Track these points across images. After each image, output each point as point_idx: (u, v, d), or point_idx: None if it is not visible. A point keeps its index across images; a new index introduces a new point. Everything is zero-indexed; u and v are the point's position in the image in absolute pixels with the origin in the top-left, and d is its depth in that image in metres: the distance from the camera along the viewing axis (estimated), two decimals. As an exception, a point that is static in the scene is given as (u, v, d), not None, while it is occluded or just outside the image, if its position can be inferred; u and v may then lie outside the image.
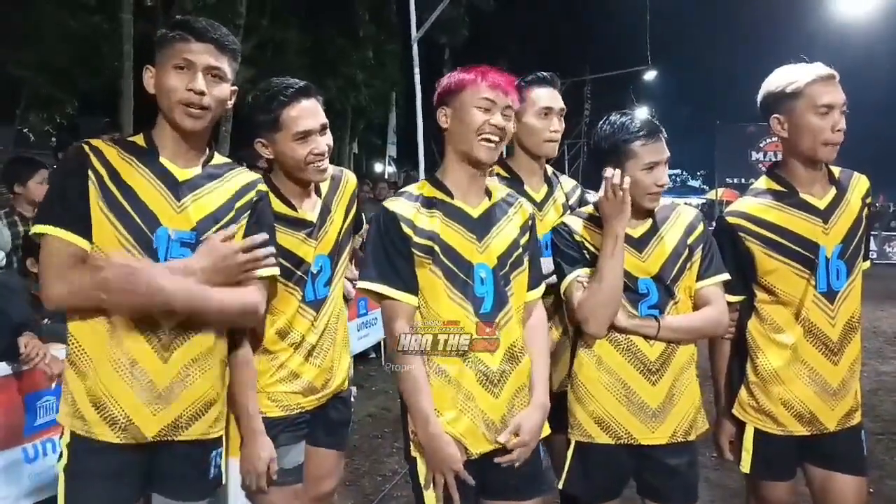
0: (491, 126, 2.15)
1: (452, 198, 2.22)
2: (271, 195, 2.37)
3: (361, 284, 2.18)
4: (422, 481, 2.18)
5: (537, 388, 2.27)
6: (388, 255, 2.15)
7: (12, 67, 11.80)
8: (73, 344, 2.03)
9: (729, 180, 27.01)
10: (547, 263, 2.51)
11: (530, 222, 2.34)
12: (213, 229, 2.08)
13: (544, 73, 2.79)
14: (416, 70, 8.54)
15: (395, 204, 2.20)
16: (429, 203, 2.21)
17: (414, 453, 2.20)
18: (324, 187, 2.55)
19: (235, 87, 2.15)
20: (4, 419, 2.86)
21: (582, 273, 2.36)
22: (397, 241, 2.15)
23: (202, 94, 2.00)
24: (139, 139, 2.11)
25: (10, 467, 3.03)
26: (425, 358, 2.15)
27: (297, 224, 2.42)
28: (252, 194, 2.21)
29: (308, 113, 2.35)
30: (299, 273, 2.40)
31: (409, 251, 2.14)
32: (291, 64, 14.69)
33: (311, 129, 2.35)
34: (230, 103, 2.14)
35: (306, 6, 15.51)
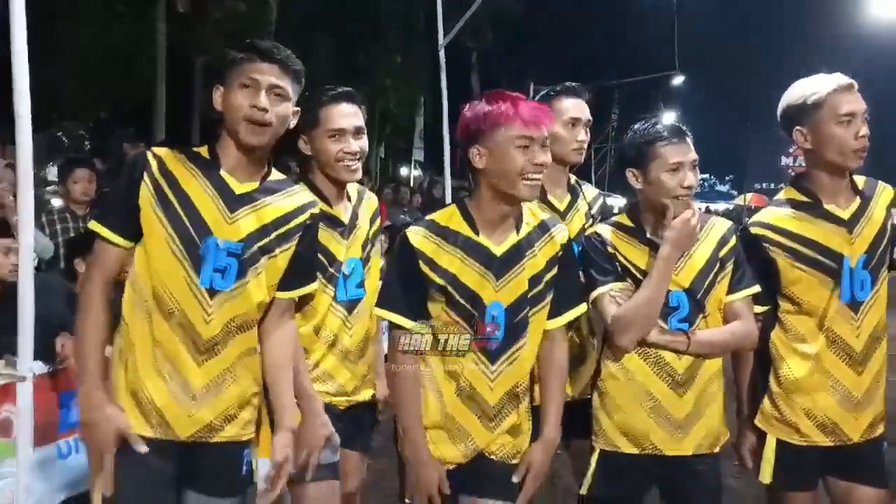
0: (534, 166, 2.13)
1: (478, 234, 2.22)
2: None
3: (378, 311, 2.29)
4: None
5: (550, 424, 2.31)
6: (404, 285, 2.23)
7: (47, 75, 12.05)
8: (124, 332, 2.14)
9: (758, 185, 26.64)
10: None
11: (560, 253, 2.31)
12: (261, 243, 2.17)
13: (572, 84, 2.82)
14: (444, 76, 8.58)
15: (417, 237, 2.22)
16: (452, 238, 2.22)
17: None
18: (353, 197, 2.65)
19: (298, 109, 2.23)
20: (40, 417, 2.95)
21: (616, 286, 2.38)
22: (414, 275, 2.20)
23: (265, 110, 2.09)
24: (204, 150, 2.21)
25: (45, 463, 3.13)
26: (426, 379, 2.24)
27: (331, 221, 2.51)
28: (306, 216, 2.28)
29: (344, 114, 2.50)
30: (331, 270, 2.48)
31: (423, 285, 2.20)
32: (320, 70, 14.83)
33: (345, 129, 2.48)
34: (292, 122, 2.22)
35: (335, 14, 15.64)
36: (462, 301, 2.18)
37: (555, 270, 2.29)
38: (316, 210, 2.33)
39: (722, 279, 2.40)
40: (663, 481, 2.42)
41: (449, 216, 2.26)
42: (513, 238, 2.25)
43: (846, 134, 2.35)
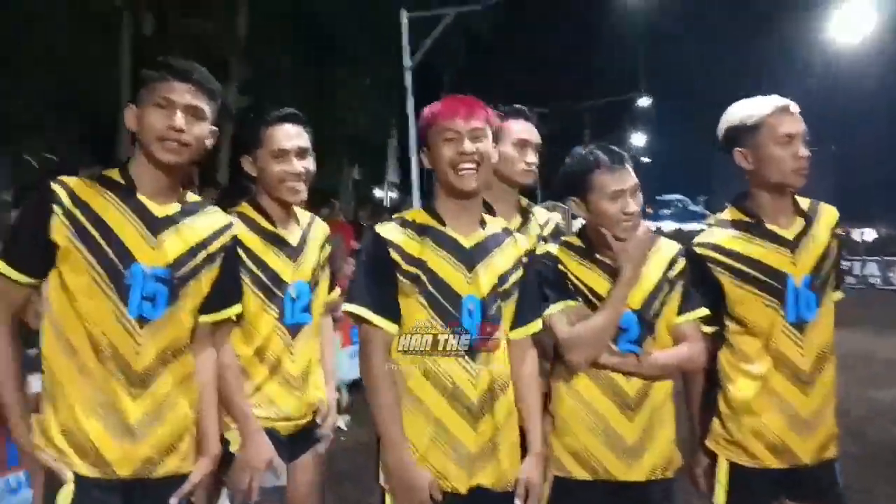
0: (461, 156, 2.15)
1: (444, 225, 2.22)
2: (253, 211, 2.51)
3: (346, 307, 2.19)
4: None
5: (535, 439, 2.28)
6: (374, 279, 2.17)
7: (9, 97, 11.90)
8: (47, 370, 2.04)
9: (729, 204, 26.88)
10: None
11: (525, 259, 2.33)
12: (189, 266, 2.13)
13: (519, 106, 2.82)
14: (410, 99, 8.61)
15: (384, 228, 2.21)
16: (420, 230, 2.20)
17: (383, 484, 2.20)
18: (302, 221, 2.64)
19: (216, 128, 2.20)
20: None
21: (568, 304, 2.36)
22: (384, 266, 2.15)
23: (181, 131, 2.05)
24: (115, 174, 2.14)
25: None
26: (400, 386, 2.15)
27: (277, 241, 2.50)
28: (227, 238, 2.27)
29: (287, 135, 2.50)
30: (277, 291, 2.46)
31: (394, 277, 2.15)
32: (288, 91, 14.78)
33: (288, 150, 2.48)
34: (209, 143, 2.19)
35: (304, 34, 15.64)
36: (435, 292, 2.14)
37: (520, 273, 2.29)
38: (235, 231, 2.32)
39: (671, 301, 2.40)
40: None
41: (414, 214, 2.27)
42: (479, 233, 2.26)
43: (786, 154, 2.37)
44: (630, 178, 2.33)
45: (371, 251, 2.20)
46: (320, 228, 2.72)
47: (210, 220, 2.24)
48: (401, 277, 2.14)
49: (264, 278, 2.43)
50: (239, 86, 14.18)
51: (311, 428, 2.61)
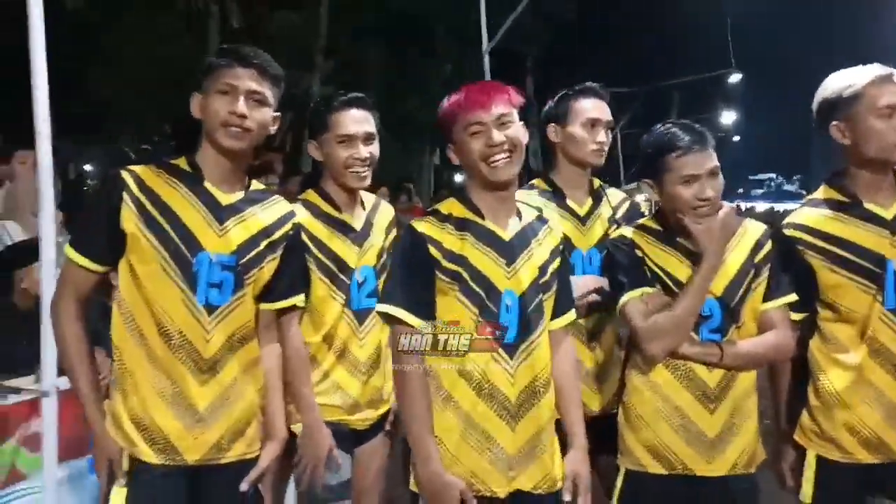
0: (491, 148, 2.04)
1: (483, 219, 2.12)
2: (318, 198, 2.50)
3: (380, 307, 2.10)
4: None
5: (577, 433, 2.19)
6: (411, 278, 2.06)
7: (101, 87, 12.43)
8: (117, 358, 2.09)
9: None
10: (581, 283, 2.42)
11: (561, 247, 2.24)
12: (253, 253, 2.14)
13: (592, 84, 2.71)
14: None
15: (423, 224, 2.10)
16: (460, 224, 2.10)
17: (414, 488, 2.11)
18: (367, 205, 2.62)
19: (278, 114, 2.20)
20: (68, 431, 2.97)
21: (646, 291, 2.24)
22: (423, 264, 2.05)
23: (244, 116, 2.06)
24: (182, 162, 2.17)
25: (74, 478, 3.15)
26: (434, 387, 2.06)
27: (342, 227, 2.49)
28: (289, 227, 2.27)
29: (354, 120, 2.46)
30: (342, 277, 2.44)
31: (432, 276, 2.05)
32: (371, 81, 14.94)
33: (354, 135, 2.45)
34: (273, 129, 2.20)
35: (385, 25, 15.75)
36: (477, 288, 2.03)
37: (557, 263, 2.20)
38: (297, 220, 2.32)
39: (757, 287, 2.25)
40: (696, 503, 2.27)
41: (450, 206, 2.16)
42: (517, 224, 2.16)
43: (887, 127, 2.19)
44: (708, 161, 2.18)
45: (408, 249, 2.09)
46: (386, 212, 2.69)
47: (273, 209, 2.25)
48: (440, 275, 2.04)
49: (330, 264, 2.42)
50: (322, 77, 14.41)
51: (380, 424, 2.59)
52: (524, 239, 2.15)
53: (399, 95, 15.50)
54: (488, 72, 8.54)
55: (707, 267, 2.16)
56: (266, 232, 2.19)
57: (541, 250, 2.17)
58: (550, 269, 2.17)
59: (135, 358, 2.05)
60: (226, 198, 2.15)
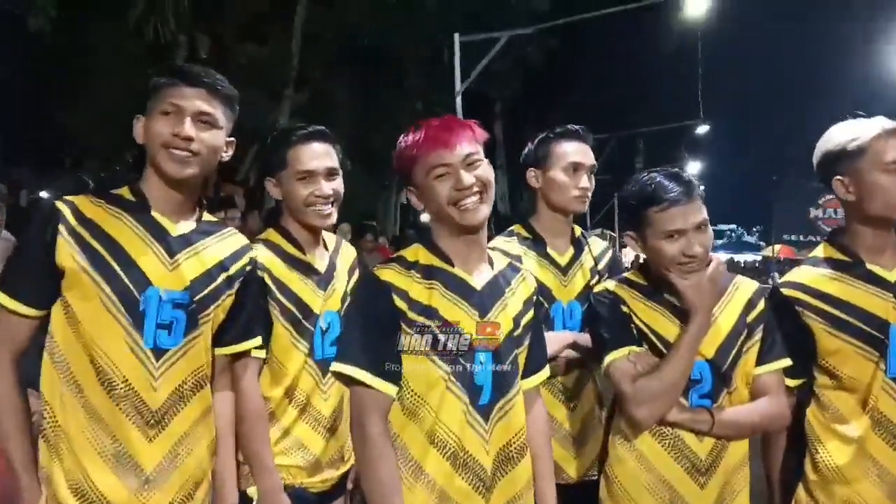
0: (460, 191, 1.84)
1: (453, 266, 1.91)
2: (280, 237, 2.28)
3: (335, 367, 1.85)
4: None
5: (548, 497, 1.99)
6: (372, 332, 1.84)
7: (65, 118, 12.15)
8: (49, 416, 1.83)
9: (786, 237, 26.37)
10: (557, 338, 2.24)
11: (534, 298, 2.05)
12: (209, 289, 1.94)
13: (575, 127, 2.55)
14: (460, 122, 8.46)
15: (386, 272, 1.87)
16: (427, 272, 1.89)
17: None
18: (330, 245, 2.42)
19: (233, 139, 2.01)
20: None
21: (633, 350, 2.06)
22: (385, 315, 1.82)
23: (189, 139, 1.85)
24: (125, 192, 1.96)
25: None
26: (400, 456, 1.82)
27: (306, 269, 2.28)
28: (245, 260, 2.08)
29: (314, 154, 2.26)
30: (306, 324, 2.22)
31: (397, 329, 1.82)
32: (341, 115, 14.84)
33: (314, 171, 2.24)
34: (227, 155, 2.00)
35: (356, 59, 15.74)
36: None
37: (531, 314, 2.00)
38: (255, 254, 2.12)
39: (749, 349, 2.09)
40: None
41: (415, 253, 1.94)
42: (488, 272, 1.96)
43: (894, 183, 2.06)
44: (695, 214, 2.00)
45: (369, 299, 1.88)
46: (348, 254, 2.49)
47: (229, 241, 2.07)
48: (405, 328, 1.82)
49: (293, 309, 2.21)
50: (292, 109, 14.28)
51: (342, 483, 2.36)
52: (497, 288, 1.95)
53: (368, 130, 15.42)
54: (461, 112, 8.48)
55: (696, 326, 1.99)
56: (222, 265, 1.99)
57: (514, 300, 1.97)
58: (524, 321, 1.98)
59: (70, 413, 1.80)
60: (176, 228, 1.94)
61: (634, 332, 2.10)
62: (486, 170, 1.89)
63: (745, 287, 2.17)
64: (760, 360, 2.10)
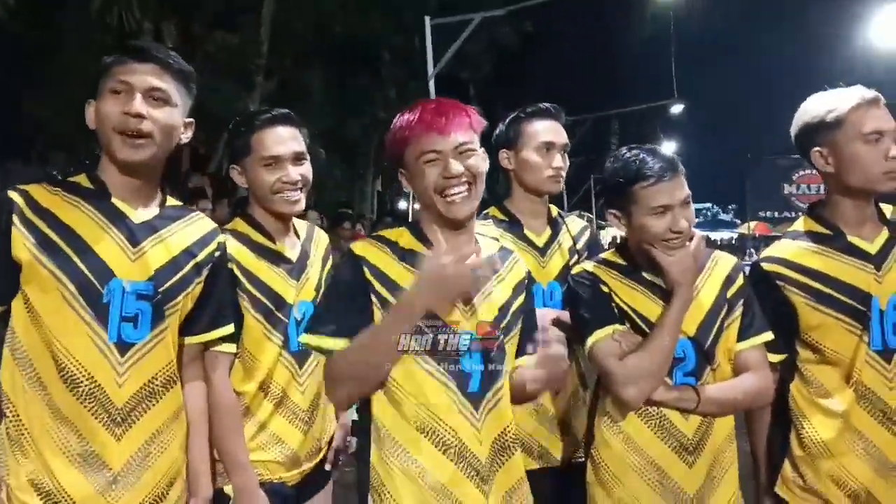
0: (447, 179, 1.77)
1: None
2: (248, 227, 2.19)
3: (303, 338, 1.82)
4: None
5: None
6: (339, 300, 1.81)
7: (32, 108, 11.89)
8: (11, 414, 1.75)
9: (762, 214, 26.63)
10: (538, 315, 2.21)
11: (526, 282, 1.99)
12: (175, 279, 1.86)
13: (546, 105, 2.50)
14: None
15: (361, 245, 1.85)
16: (407, 256, 1.82)
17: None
18: (301, 233, 2.34)
19: (191, 120, 1.92)
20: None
21: (617, 329, 2.02)
22: (357, 289, 1.77)
23: (140, 117, 1.76)
24: (82, 179, 1.87)
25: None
26: (389, 447, 1.76)
27: (277, 258, 2.19)
28: (214, 246, 1.99)
29: (280, 139, 2.17)
30: (279, 315, 2.14)
31: (367, 307, 1.77)
32: (314, 104, 14.65)
33: (281, 156, 2.16)
34: (185, 136, 1.91)
35: (329, 47, 15.54)
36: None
37: (521, 300, 1.94)
38: (223, 238, 2.04)
39: (730, 325, 2.06)
40: None
41: (398, 235, 1.89)
42: (475, 260, 1.86)
43: (873, 154, 2.03)
44: (680, 190, 1.98)
45: (341, 272, 1.85)
46: (321, 241, 2.41)
47: (196, 226, 1.98)
48: (377, 304, 1.77)
49: (265, 300, 2.13)
50: (263, 97, 14.07)
51: (320, 470, 2.30)
52: (483, 276, 1.86)
53: (343, 119, 15.26)
54: (433, 97, 8.40)
55: (680, 301, 1.96)
56: (190, 252, 1.91)
57: (501, 287, 1.91)
58: (513, 307, 1.91)
59: (33, 411, 1.73)
60: (138, 215, 1.86)
61: (616, 311, 2.06)
62: (478, 160, 1.82)
63: (723, 262, 2.14)
64: (742, 336, 2.07)
